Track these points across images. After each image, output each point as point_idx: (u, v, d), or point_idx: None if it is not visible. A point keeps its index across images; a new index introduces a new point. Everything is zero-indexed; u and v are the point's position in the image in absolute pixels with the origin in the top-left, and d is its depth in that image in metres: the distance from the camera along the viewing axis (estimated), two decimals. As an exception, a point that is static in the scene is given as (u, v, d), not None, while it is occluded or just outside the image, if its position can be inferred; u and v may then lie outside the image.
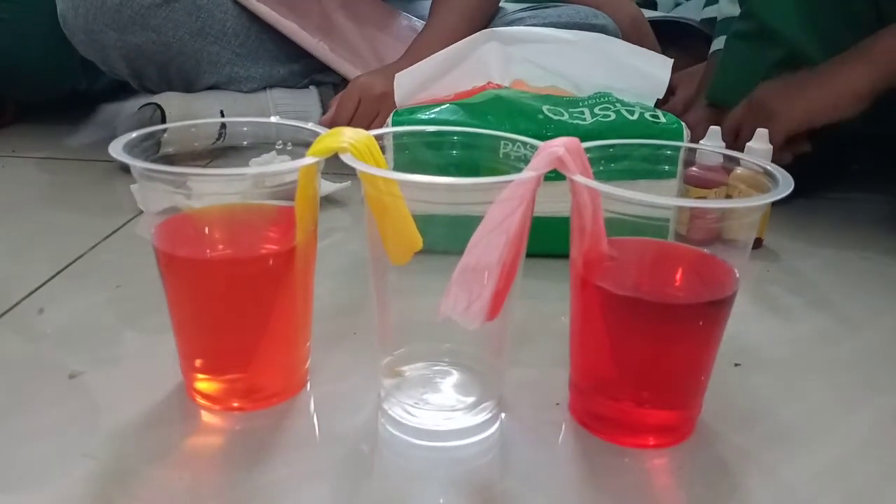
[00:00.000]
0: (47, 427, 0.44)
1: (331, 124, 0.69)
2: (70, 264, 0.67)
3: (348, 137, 0.41)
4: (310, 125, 0.47)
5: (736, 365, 0.53)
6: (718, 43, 1.01)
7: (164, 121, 0.93)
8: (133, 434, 0.44)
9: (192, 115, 0.97)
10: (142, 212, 0.77)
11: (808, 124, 0.77)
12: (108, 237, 0.73)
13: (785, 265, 0.71)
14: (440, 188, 0.39)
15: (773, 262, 0.71)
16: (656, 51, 1.12)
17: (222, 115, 1.00)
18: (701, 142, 0.72)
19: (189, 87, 1.03)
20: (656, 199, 0.37)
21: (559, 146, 0.39)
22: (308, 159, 0.41)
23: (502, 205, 0.38)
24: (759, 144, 0.70)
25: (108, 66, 1.01)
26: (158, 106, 0.94)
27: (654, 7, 1.48)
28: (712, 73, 0.96)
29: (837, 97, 0.75)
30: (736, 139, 0.81)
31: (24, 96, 1.17)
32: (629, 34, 1.11)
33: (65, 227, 0.76)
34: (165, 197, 0.43)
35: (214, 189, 0.45)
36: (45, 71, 1.10)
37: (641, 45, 1.06)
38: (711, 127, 0.72)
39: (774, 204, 0.39)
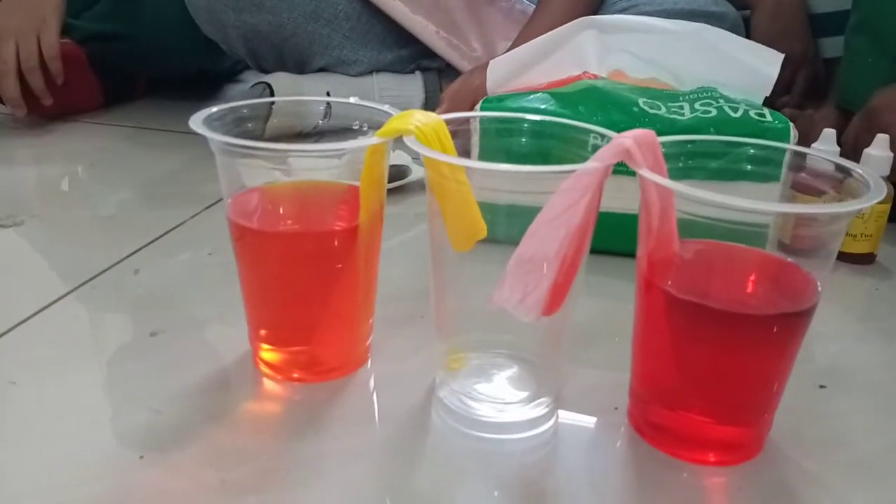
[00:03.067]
0: (122, 378, 0.47)
1: None
2: (171, 230, 0.71)
3: (416, 120, 0.41)
4: (386, 107, 0.47)
5: (821, 386, 0.49)
6: None
7: (272, 99, 0.97)
8: (197, 394, 0.46)
9: (299, 94, 1.00)
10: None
11: None
12: (209, 207, 0.77)
13: (896, 284, 0.65)
14: (500, 175, 0.38)
15: (883, 280, 0.65)
16: (806, 39, 1.04)
17: (328, 96, 1.03)
18: (813, 145, 0.67)
19: (301, 68, 1.07)
20: (725, 199, 0.34)
21: (628, 137, 0.37)
22: (374, 139, 0.41)
23: (563, 195, 0.37)
24: (879, 151, 0.65)
25: (227, 45, 1.07)
26: (268, 85, 0.98)
27: None
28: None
29: None
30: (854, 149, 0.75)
31: (155, 74, 1.25)
32: (772, 18, 1.04)
33: (173, 195, 0.81)
34: (262, 172, 0.45)
35: (311, 165, 0.46)
36: (176, 51, 1.17)
37: (785, 31, 1.00)
38: (825, 130, 0.67)
39: (891, 218, 0.35)
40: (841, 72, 0.87)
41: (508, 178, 0.39)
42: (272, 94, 0.98)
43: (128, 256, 0.65)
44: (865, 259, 0.67)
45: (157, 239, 0.69)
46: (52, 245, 0.68)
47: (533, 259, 0.38)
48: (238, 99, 1.04)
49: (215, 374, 0.48)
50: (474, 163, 0.38)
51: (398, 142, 0.42)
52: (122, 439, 0.42)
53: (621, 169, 0.39)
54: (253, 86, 1.00)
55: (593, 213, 0.39)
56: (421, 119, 0.41)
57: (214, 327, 0.54)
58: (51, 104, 1.03)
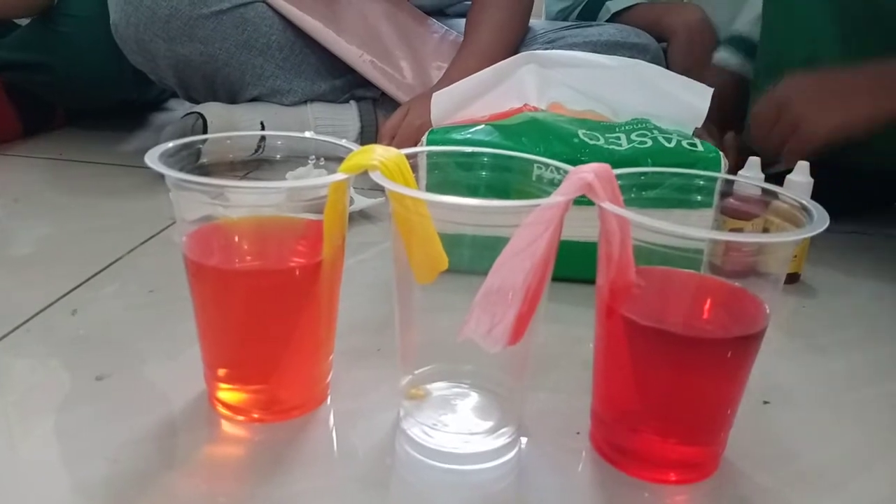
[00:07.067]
0: (70, 427, 0.45)
1: None
2: (106, 267, 0.68)
3: (379, 155, 0.41)
4: (343, 142, 0.47)
5: (765, 402, 0.51)
6: None
7: (205, 130, 0.95)
8: (153, 439, 0.44)
9: (233, 125, 0.99)
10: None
11: (845, 138, 0.67)
12: (145, 242, 0.74)
13: (822, 301, 0.69)
14: (468, 209, 0.39)
15: (809, 298, 0.69)
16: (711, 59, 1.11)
17: (262, 127, 1.02)
18: (739, 172, 0.71)
19: (233, 98, 1.05)
20: (684, 230, 0.36)
21: (589, 172, 0.39)
22: (339, 175, 0.41)
23: (529, 229, 0.38)
24: (800, 177, 0.69)
25: (156, 75, 1.04)
26: (200, 115, 0.96)
27: None
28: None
29: (881, 109, 0.65)
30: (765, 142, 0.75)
31: (78, 105, 1.20)
32: (685, 51, 1.10)
33: (105, 230, 0.78)
34: (201, 206, 0.44)
35: (250, 201, 0.46)
36: (101, 82, 1.13)
37: (699, 62, 1.06)
38: (750, 157, 0.71)
39: (813, 238, 0.38)
40: (750, 113, 0.92)
41: (465, 211, 0.40)
42: (205, 125, 0.96)
43: (63, 296, 0.62)
44: (791, 279, 0.71)
45: (93, 276, 0.66)
46: (-22, 286, 0.64)
47: (500, 291, 0.38)
48: (165, 129, 1.01)
49: (170, 417, 0.47)
50: (441, 197, 0.38)
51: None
52: (78, 491, 0.40)
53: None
54: (184, 116, 0.97)
55: (555, 245, 0.40)
56: (383, 154, 0.41)
57: (164, 367, 0.52)
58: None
